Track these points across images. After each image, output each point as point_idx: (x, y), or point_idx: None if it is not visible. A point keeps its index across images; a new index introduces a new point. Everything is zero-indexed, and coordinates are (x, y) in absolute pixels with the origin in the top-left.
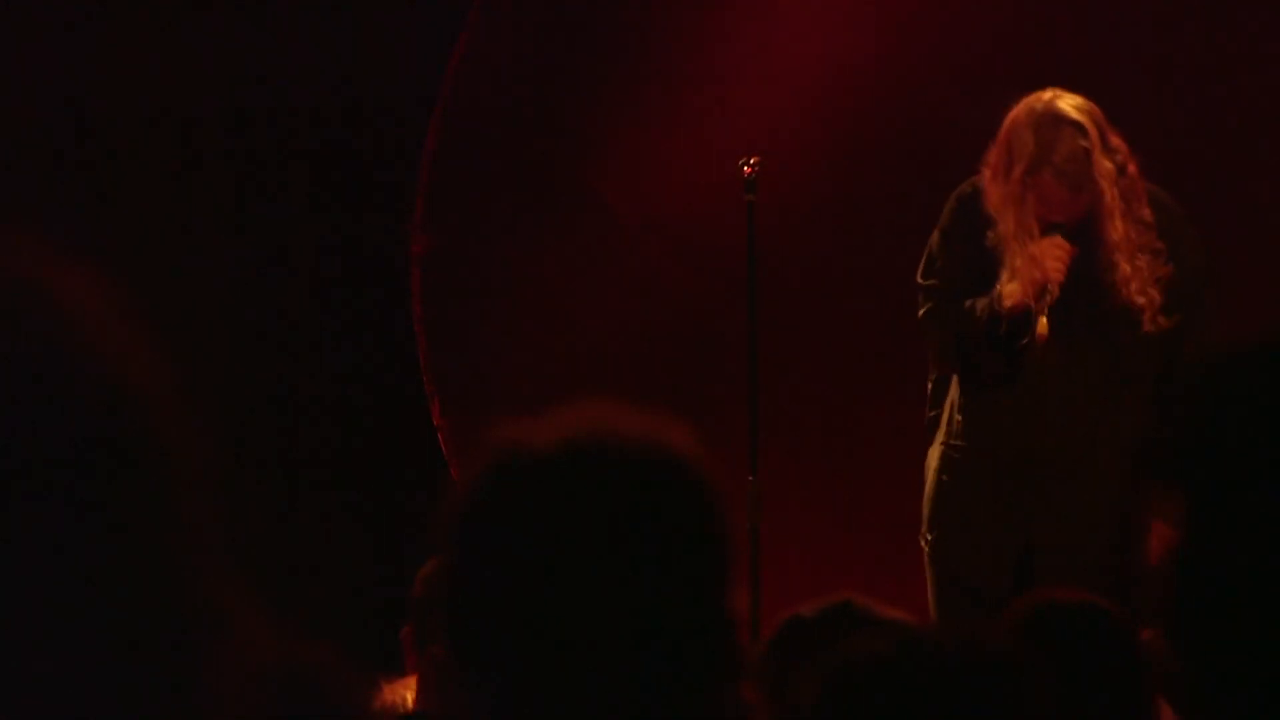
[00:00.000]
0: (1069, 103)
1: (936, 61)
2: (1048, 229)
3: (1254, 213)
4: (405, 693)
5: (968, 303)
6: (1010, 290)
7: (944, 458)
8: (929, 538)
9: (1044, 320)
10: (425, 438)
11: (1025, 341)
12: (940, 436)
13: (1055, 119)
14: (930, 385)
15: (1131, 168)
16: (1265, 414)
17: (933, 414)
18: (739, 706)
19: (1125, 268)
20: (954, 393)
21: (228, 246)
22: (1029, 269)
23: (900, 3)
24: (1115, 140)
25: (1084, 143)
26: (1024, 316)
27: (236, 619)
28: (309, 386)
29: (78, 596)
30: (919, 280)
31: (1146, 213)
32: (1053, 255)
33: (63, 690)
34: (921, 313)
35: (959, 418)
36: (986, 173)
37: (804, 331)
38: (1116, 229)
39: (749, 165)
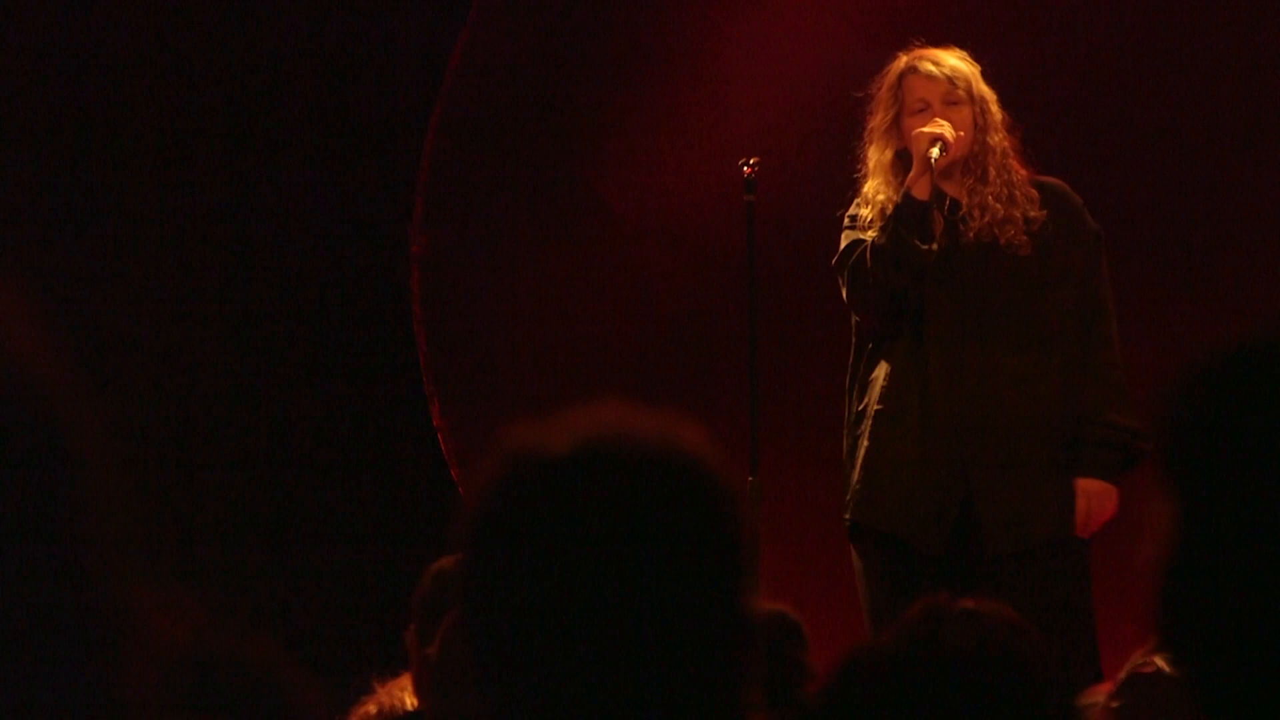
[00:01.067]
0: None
1: None
2: (938, 198)
3: (1252, 212)
4: (402, 694)
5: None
6: (909, 183)
7: (866, 431)
8: (855, 507)
9: (935, 151)
10: (425, 438)
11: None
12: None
13: (931, 47)
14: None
15: (1006, 135)
16: (1260, 413)
17: (851, 436)
18: (746, 707)
19: (998, 207)
20: (874, 372)
21: (227, 246)
22: (920, 135)
23: (899, 3)
24: (998, 109)
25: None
26: (928, 205)
27: (144, 616)
28: (309, 387)
29: None
30: (833, 264)
31: (1020, 173)
32: (933, 124)
33: None
34: (842, 281)
35: (884, 384)
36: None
37: (804, 331)
38: (992, 167)
39: (749, 165)
